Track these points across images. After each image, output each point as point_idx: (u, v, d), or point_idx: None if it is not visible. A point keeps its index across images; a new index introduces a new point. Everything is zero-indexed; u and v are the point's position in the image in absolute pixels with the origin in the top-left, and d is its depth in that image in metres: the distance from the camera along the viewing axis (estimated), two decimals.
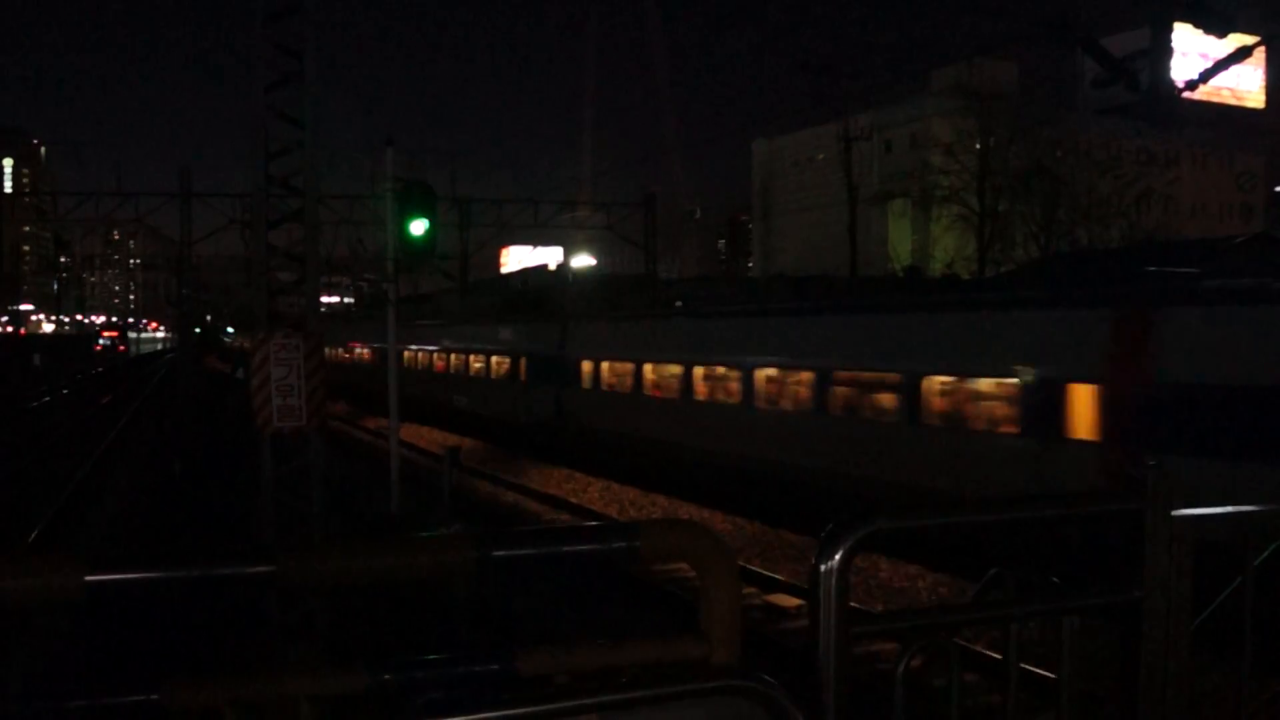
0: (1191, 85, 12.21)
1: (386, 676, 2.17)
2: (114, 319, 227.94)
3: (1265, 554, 3.23)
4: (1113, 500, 2.97)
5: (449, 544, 2.27)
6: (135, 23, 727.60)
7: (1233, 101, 41.14)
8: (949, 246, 56.86)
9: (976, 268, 48.69)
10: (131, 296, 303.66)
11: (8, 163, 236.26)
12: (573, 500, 22.87)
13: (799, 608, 14.51)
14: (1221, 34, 11.97)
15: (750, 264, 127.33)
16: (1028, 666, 9.75)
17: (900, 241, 73.77)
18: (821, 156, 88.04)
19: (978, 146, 50.74)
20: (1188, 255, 16.36)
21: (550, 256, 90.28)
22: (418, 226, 15.79)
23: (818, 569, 2.51)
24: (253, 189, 13.28)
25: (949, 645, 2.98)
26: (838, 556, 2.49)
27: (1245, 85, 42.12)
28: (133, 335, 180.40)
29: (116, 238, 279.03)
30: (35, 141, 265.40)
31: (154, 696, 2.04)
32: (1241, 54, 12.72)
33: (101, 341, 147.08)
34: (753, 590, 15.25)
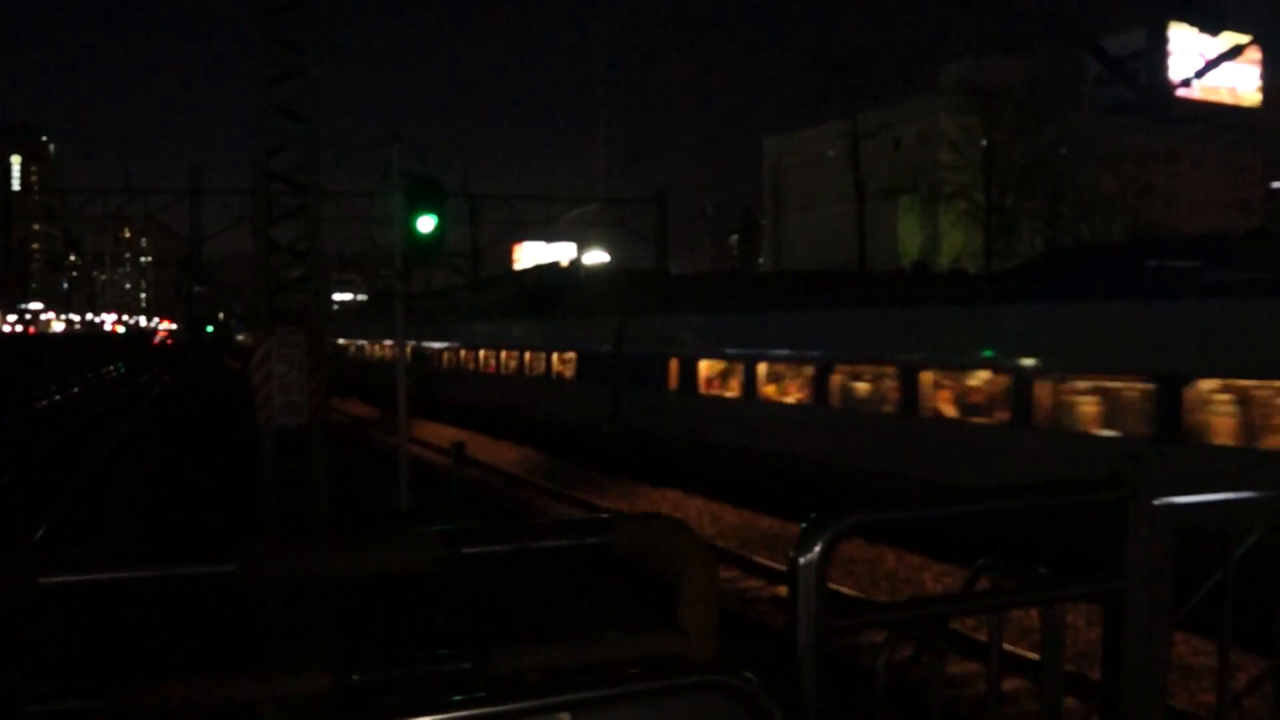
0: (1186, 82, 12.30)
1: (354, 676, 2.13)
2: (141, 320, 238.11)
3: (1248, 543, 3.21)
4: (1095, 489, 2.94)
5: (419, 540, 2.23)
6: (145, 18, 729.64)
7: (1230, 100, 43.01)
8: (956, 242, 56.94)
9: (984, 262, 48.77)
10: (143, 295, 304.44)
11: (16, 160, 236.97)
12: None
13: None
14: (1214, 33, 12.07)
15: (761, 259, 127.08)
16: (1022, 651, 9.76)
17: (909, 237, 73.83)
18: (831, 153, 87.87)
19: (984, 143, 50.78)
20: (1187, 250, 16.64)
21: (564, 253, 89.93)
22: (425, 223, 15.67)
23: (796, 562, 2.46)
24: (254, 184, 13.27)
25: (934, 636, 2.95)
26: (817, 549, 2.45)
27: (1243, 84, 43.55)
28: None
29: (127, 235, 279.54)
30: (44, 139, 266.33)
31: (111, 700, 2.00)
32: (1234, 52, 12.76)
33: (158, 338, 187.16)
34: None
